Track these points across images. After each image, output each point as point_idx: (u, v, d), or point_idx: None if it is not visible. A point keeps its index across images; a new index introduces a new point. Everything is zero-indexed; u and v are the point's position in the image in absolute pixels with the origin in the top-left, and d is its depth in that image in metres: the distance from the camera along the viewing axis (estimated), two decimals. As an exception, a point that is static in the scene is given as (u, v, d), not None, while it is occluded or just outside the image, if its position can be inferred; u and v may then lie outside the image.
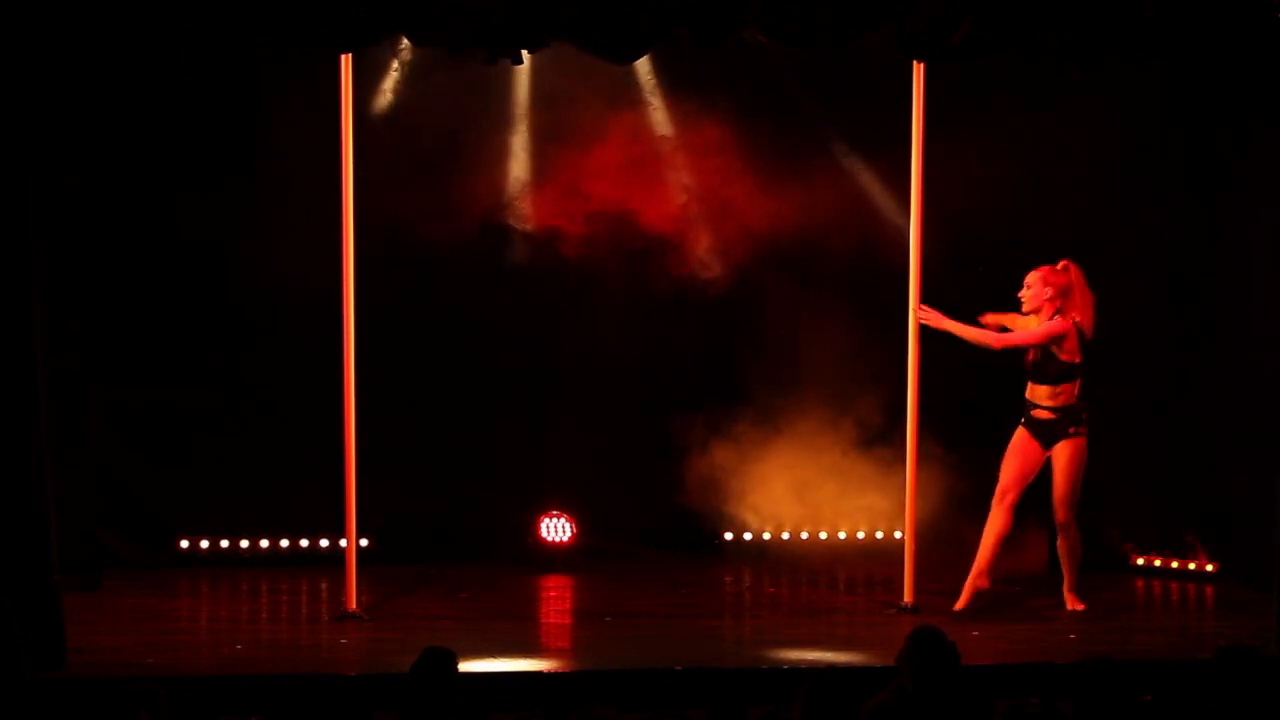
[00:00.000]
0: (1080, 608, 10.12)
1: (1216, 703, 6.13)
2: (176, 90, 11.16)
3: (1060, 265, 10.05)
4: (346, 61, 9.62)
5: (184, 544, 11.72)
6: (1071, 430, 9.97)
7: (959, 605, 10.04)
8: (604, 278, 11.80)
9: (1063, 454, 9.98)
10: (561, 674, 8.56)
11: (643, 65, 11.68)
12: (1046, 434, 10.01)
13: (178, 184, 11.39)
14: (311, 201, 10.94)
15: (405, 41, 10.79)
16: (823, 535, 12.13)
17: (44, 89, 9.23)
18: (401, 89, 11.57)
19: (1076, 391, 9.99)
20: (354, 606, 9.83)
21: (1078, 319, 9.97)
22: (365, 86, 11.03)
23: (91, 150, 10.99)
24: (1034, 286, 10.05)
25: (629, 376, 12.00)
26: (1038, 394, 10.03)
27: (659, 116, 11.89)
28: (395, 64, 11.51)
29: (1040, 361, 10.01)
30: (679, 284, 11.91)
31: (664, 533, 12.16)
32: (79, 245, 10.86)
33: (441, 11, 8.71)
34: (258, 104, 11.35)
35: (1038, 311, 10.04)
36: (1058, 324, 9.94)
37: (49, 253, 9.60)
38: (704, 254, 11.96)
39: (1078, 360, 9.97)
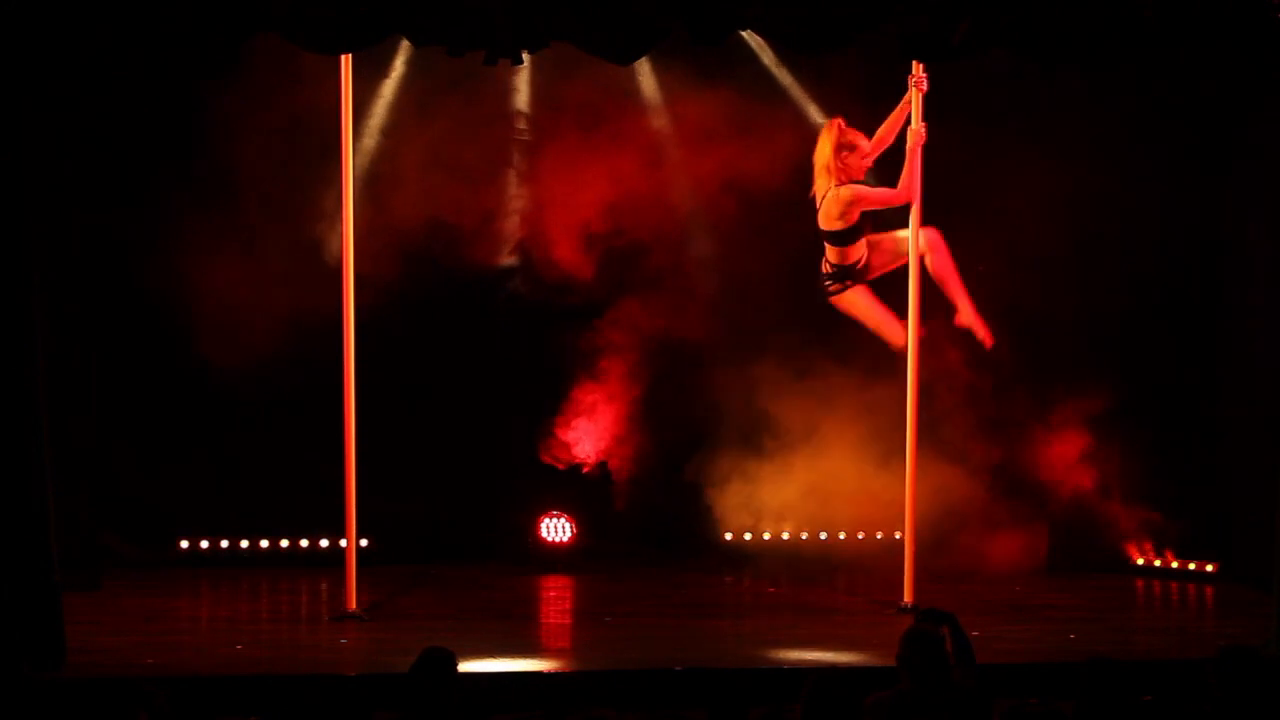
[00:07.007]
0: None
1: (1216, 703, 6.13)
2: (171, 86, 11.18)
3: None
4: (346, 61, 9.62)
5: (184, 544, 11.74)
6: None
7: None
8: (604, 279, 11.81)
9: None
10: (561, 674, 8.56)
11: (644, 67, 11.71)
12: None
13: (178, 183, 11.40)
14: (312, 204, 10.96)
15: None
16: (823, 535, 12.12)
17: (43, 88, 9.22)
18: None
19: None
20: (354, 606, 9.83)
21: None
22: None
23: (92, 150, 10.99)
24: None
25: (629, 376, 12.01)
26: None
27: (661, 123, 11.91)
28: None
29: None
30: (679, 285, 11.92)
31: (664, 533, 12.15)
32: (79, 246, 10.85)
33: (441, 12, 8.70)
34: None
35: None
36: None
37: (49, 253, 9.59)
38: (701, 261, 11.98)
39: None
